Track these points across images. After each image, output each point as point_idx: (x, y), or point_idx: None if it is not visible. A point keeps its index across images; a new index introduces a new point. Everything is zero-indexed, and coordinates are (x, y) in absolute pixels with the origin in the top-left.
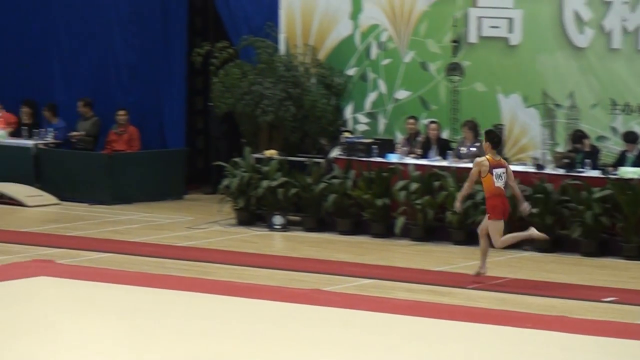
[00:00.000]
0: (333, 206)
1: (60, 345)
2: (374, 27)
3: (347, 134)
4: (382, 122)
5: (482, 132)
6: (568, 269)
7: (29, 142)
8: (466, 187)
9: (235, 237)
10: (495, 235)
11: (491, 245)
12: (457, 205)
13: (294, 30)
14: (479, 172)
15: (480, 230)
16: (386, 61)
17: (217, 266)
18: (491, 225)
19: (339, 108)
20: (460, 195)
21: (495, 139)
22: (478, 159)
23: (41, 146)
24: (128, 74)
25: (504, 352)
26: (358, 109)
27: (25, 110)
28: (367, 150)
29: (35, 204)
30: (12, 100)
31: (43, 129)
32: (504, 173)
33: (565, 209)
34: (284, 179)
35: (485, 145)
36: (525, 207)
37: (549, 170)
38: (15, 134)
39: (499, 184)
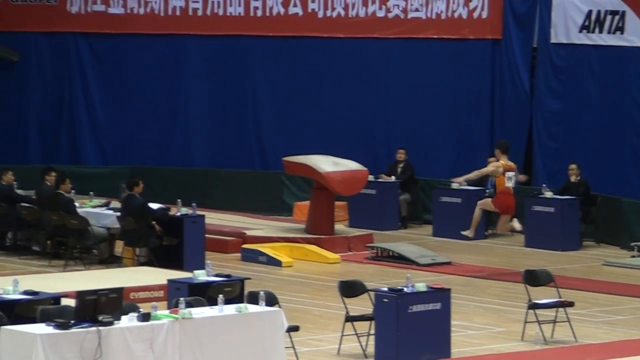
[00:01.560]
0: None
1: None
2: None
3: None
4: None
5: None
6: None
7: None
8: (475, 174)
9: None
10: (480, 205)
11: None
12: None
13: None
14: (493, 173)
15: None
16: None
17: None
18: (487, 203)
19: None
20: (466, 177)
21: (503, 146)
22: (495, 163)
23: None
24: None
25: None
26: None
27: None
28: None
29: None
30: None
31: None
32: (514, 175)
33: None
34: None
35: (497, 152)
36: None
37: None
38: None
39: (509, 184)
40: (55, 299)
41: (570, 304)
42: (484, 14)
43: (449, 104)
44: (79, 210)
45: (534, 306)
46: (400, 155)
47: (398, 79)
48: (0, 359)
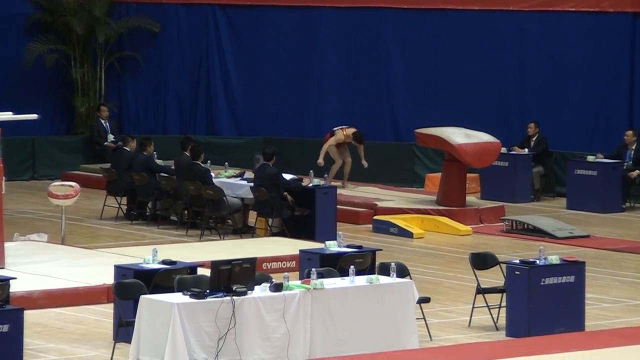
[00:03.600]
0: None
1: None
2: None
3: None
4: None
5: None
6: None
7: None
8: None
9: None
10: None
11: None
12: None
13: None
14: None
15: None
16: None
17: None
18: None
19: None
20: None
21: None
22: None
23: None
24: None
25: None
26: None
27: None
28: None
29: None
30: None
31: None
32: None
33: None
34: None
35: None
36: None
37: None
38: None
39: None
40: (192, 268)
41: None
42: None
43: (585, 77)
44: (214, 180)
45: None
46: (530, 129)
47: (533, 52)
48: (140, 326)
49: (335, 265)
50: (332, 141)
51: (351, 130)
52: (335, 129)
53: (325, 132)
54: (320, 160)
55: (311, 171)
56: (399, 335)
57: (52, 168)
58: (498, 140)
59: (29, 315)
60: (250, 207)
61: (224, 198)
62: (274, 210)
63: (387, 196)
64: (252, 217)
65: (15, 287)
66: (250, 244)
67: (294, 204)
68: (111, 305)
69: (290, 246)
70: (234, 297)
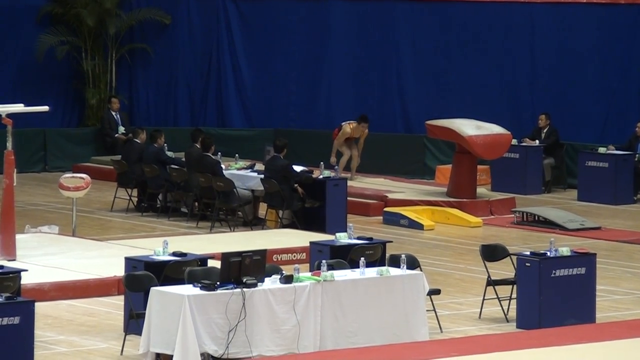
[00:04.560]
0: None
1: None
2: None
3: None
4: None
5: None
6: None
7: None
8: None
9: None
10: None
11: None
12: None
13: None
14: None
15: None
16: None
17: None
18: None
19: None
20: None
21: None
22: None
23: None
24: None
25: None
26: None
27: None
28: None
29: None
30: None
31: None
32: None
33: None
34: None
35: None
36: None
37: None
38: None
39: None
40: (202, 260)
41: None
42: None
43: (596, 68)
44: (225, 172)
45: None
46: (541, 121)
47: (544, 43)
48: (151, 318)
49: (345, 257)
50: (340, 137)
51: (355, 123)
52: (343, 124)
53: (336, 124)
54: (333, 159)
55: (321, 163)
56: (409, 327)
57: (63, 160)
58: (509, 132)
59: (40, 307)
60: (260, 199)
61: (235, 190)
62: (284, 202)
63: (397, 188)
64: (263, 209)
65: (26, 279)
66: (261, 235)
67: (305, 195)
68: (122, 297)
69: (300, 238)
70: (244, 289)
